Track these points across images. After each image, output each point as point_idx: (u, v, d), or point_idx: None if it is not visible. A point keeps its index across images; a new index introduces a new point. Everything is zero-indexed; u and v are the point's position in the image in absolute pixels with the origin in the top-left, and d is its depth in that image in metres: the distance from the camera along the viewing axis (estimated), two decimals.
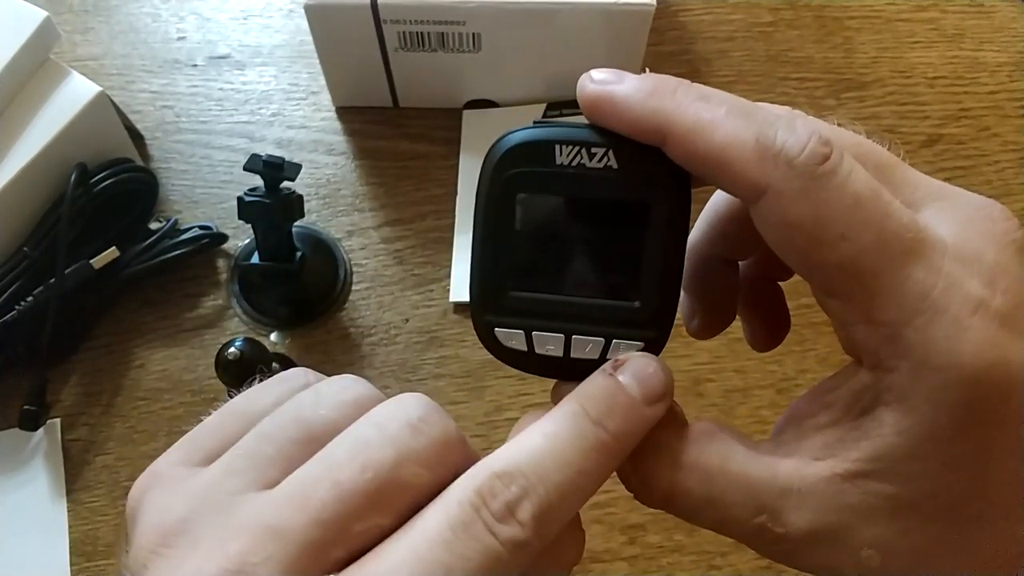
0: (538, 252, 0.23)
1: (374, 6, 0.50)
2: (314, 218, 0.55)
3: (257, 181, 0.46)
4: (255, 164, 0.45)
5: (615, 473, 0.22)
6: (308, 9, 0.51)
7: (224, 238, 0.54)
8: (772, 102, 0.22)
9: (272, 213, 0.46)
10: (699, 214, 0.27)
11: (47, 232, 0.49)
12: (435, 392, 0.50)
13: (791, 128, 0.20)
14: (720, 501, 0.21)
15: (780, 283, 0.29)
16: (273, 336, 0.52)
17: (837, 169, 0.19)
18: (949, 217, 0.20)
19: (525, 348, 0.23)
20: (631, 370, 0.21)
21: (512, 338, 0.23)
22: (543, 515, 0.19)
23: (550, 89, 0.57)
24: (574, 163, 0.21)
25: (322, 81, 0.58)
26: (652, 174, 0.21)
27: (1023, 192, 0.56)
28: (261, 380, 0.23)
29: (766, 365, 0.51)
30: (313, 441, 0.20)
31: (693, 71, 0.60)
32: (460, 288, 0.52)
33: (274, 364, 0.46)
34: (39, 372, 0.49)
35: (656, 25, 0.52)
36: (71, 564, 0.46)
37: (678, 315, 0.23)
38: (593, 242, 0.23)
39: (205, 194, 0.56)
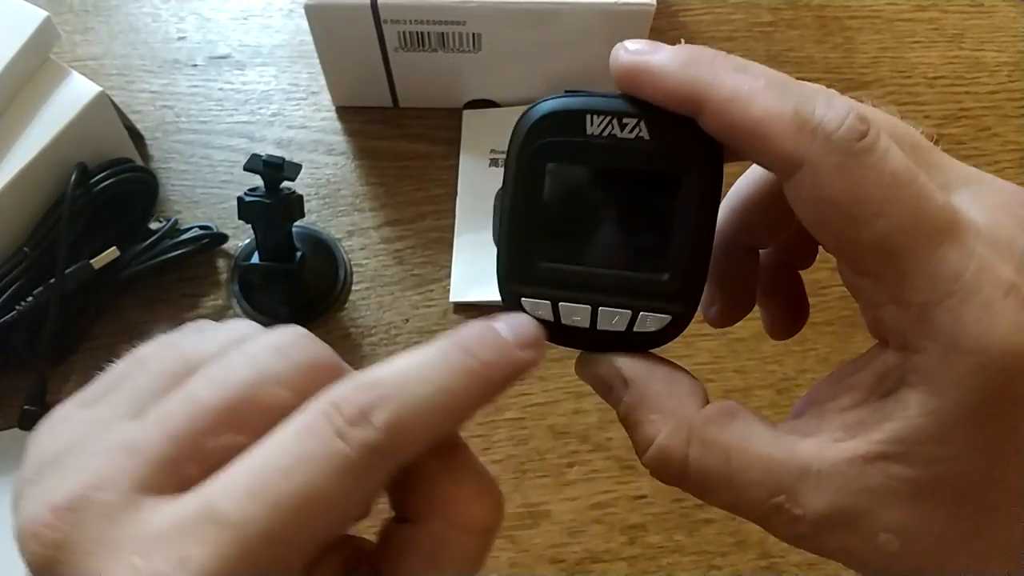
0: (567, 222, 0.22)
1: (374, 6, 0.50)
2: (314, 218, 0.55)
3: (257, 181, 0.46)
4: (255, 164, 0.45)
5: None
6: (308, 9, 0.51)
7: (224, 238, 0.54)
8: None
9: (272, 213, 0.46)
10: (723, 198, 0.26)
11: (47, 232, 0.49)
12: None
13: (829, 103, 0.19)
14: (737, 480, 0.21)
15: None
16: None
17: (875, 146, 0.19)
18: (981, 202, 0.20)
19: (552, 318, 0.23)
20: (505, 320, 0.21)
21: (539, 308, 0.23)
22: (399, 422, 0.18)
23: (550, 89, 0.56)
24: (605, 133, 0.21)
25: (322, 81, 0.58)
26: (684, 146, 0.21)
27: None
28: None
29: (766, 365, 0.51)
30: (189, 372, 0.20)
31: None
32: (460, 288, 0.52)
33: None
34: (39, 372, 0.49)
35: (656, 25, 0.52)
36: None
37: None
38: (622, 213, 0.22)
39: (205, 194, 0.56)
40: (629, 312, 0.22)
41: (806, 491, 0.20)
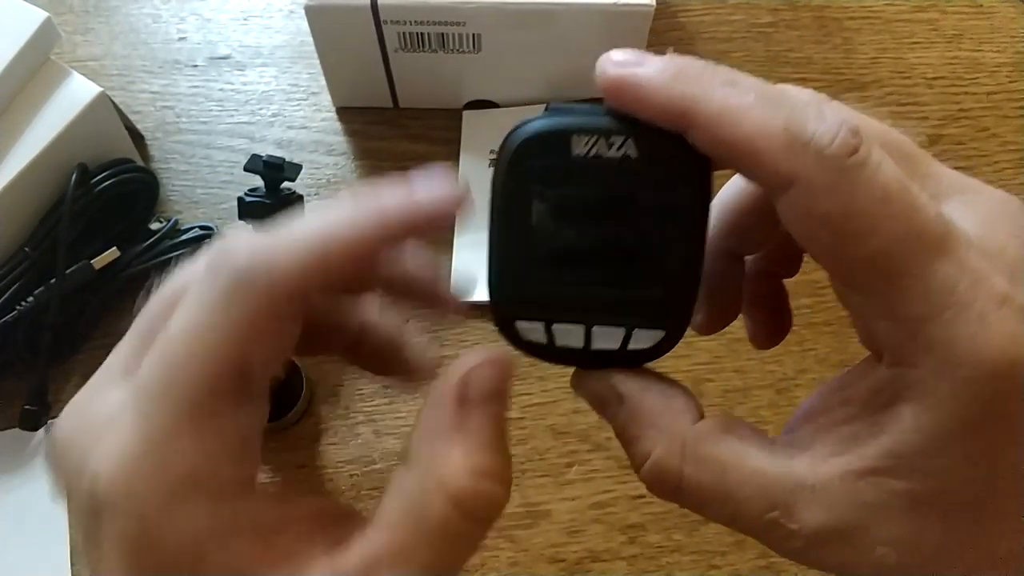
0: (556, 243, 0.22)
1: (374, 7, 0.51)
2: None
3: (257, 181, 0.46)
4: (255, 164, 0.45)
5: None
6: (308, 10, 0.51)
7: None
8: None
9: (272, 213, 0.46)
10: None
11: (48, 232, 0.49)
12: None
13: (821, 117, 0.19)
14: (732, 495, 0.21)
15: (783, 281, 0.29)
16: None
17: (867, 161, 0.19)
18: (972, 212, 0.20)
19: (545, 340, 0.23)
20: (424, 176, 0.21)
21: (532, 331, 0.23)
22: (265, 248, 0.19)
23: (550, 89, 0.57)
24: (591, 154, 0.21)
25: (322, 82, 0.58)
26: (673, 162, 0.21)
27: (1023, 192, 0.56)
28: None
29: (765, 365, 0.51)
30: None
31: None
32: (459, 288, 0.52)
33: None
34: (40, 372, 0.49)
35: (656, 25, 0.53)
36: (71, 564, 0.46)
37: None
38: (613, 232, 0.22)
39: (205, 194, 0.56)
40: (623, 330, 0.22)
41: (801, 506, 0.20)
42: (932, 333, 0.19)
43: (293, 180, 0.46)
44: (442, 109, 0.58)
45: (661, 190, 0.21)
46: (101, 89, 0.50)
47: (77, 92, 0.50)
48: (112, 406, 0.19)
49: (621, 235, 0.22)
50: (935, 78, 0.61)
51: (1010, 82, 0.60)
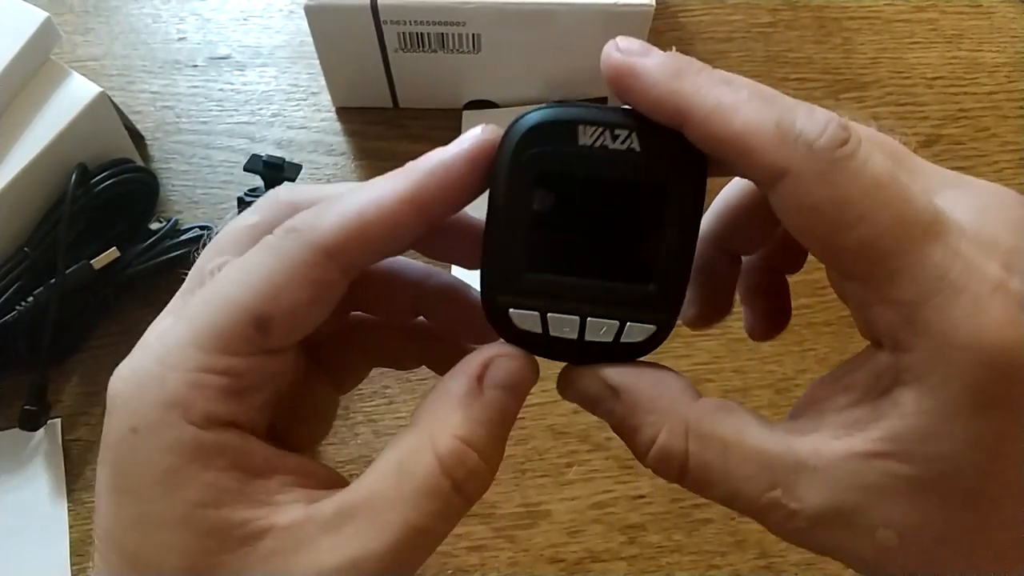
0: (555, 233, 0.22)
1: (374, 7, 0.51)
2: None
3: (257, 181, 0.46)
4: (255, 165, 0.45)
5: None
6: (308, 10, 0.51)
7: None
8: None
9: None
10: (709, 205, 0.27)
11: (47, 232, 0.49)
12: None
13: (810, 114, 0.20)
14: (734, 473, 0.21)
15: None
16: None
17: (856, 152, 0.19)
18: (964, 203, 0.20)
19: (540, 330, 0.23)
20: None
21: (527, 320, 0.23)
22: (331, 219, 0.21)
23: (550, 89, 0.57)
24: (597, 144, 0.21)
25: (322, 82, 0.58)
26: (672, 157, 0.21)
27: (1023, 192, 0.56)
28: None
29: (765, 365, 0.51)
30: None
31: None
32: None
33: None
34: (40, 372, 0.49)
35: (656, 25, 0.53)
36: (71, 564, 0.46)
37: None
38: (610, 224, 0.22)
39: (205, 194, 0.56)
40: (617, 323, 0.22)
41: (803, 486, 0.20)
42: (926, 317, 0.19)
43: (293, 180, 0.46)
44: (442, 109, 0.58)
45: (659, 185, 0.22)
46: (101, 89, 0.50)
47: (77, 92, 0.50)
48: (152, 332, 0.22)
49: (619, 228, 0.23)
50: (935, 78, 0.61)
51: (1010, 82, 0.60)
